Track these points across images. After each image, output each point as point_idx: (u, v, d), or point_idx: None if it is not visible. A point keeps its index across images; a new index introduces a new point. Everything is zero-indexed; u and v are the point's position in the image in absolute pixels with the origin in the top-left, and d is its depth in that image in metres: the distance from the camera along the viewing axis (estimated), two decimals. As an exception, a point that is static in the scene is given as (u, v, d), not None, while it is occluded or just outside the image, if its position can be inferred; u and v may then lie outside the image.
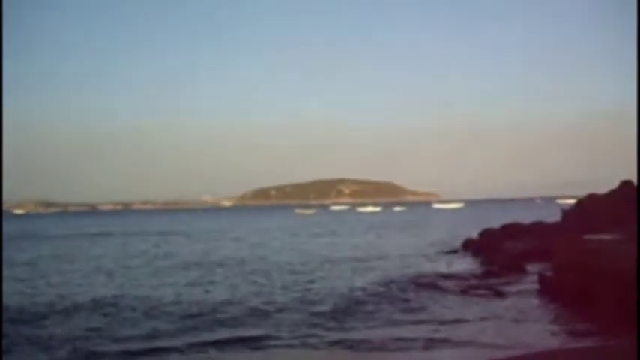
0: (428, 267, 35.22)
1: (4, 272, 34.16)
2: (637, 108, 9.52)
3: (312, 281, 30.12)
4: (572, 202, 48.51)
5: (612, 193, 38.02)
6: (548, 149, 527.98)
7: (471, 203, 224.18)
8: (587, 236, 22.81)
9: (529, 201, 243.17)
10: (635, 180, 37.86)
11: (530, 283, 25.83)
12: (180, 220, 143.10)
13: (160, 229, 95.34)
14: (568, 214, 41.01)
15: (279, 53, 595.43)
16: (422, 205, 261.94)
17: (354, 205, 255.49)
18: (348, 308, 22.09)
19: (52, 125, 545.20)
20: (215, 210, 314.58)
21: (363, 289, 26.43)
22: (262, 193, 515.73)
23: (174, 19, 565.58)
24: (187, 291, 27.55)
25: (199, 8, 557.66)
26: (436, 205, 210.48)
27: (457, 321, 19.32)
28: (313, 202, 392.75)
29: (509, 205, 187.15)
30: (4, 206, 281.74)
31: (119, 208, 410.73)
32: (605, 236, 21.99)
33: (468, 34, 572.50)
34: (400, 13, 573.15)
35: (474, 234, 46.91)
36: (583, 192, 42.63)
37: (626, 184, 37.97)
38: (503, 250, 36.80)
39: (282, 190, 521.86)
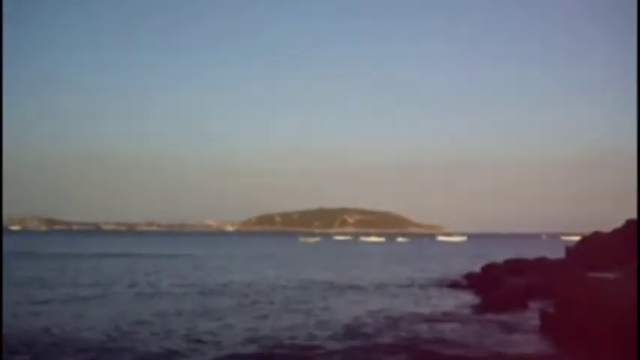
0: (427, 299, 35.03)
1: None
2: (637, 143, 9.42)
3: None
4: (576, 239, 48.33)
5: (616, 232, 37.84)
6: (556, 185, 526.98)
7: (474, 237, 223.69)
8: (590, 274, 22.65)
9: (535, 237, 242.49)
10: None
11: (532, 319, 25.60)
12: (185, 244, 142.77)
13: (171, 252, 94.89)
14: (572, 251, 40.82)
15: (285, 81, 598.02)
16: (425, 237, 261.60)
17: (357, 235, 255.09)
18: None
19: (58, 143, 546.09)
20: (220, 234, 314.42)
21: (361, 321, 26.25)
22: (267, 219, 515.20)
23: (182, 46, 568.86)
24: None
25: (200, 35, 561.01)
26: (440, 238, 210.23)
27: (456, 356, 19.09)
28: (317, 230, 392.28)
29: (513, 241, 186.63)
30: (5, 223, 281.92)
31: (123, 228, 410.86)
32: (608, 274, 21.83)
33: (468, 69, 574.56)
34: (404, 43, 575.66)
35: (477, 268, 46.70)
36: (588, 229, 42.47)
37: (630, 223, 37.79)
38: (505, 285, 36.56)
39: (286, 217, 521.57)
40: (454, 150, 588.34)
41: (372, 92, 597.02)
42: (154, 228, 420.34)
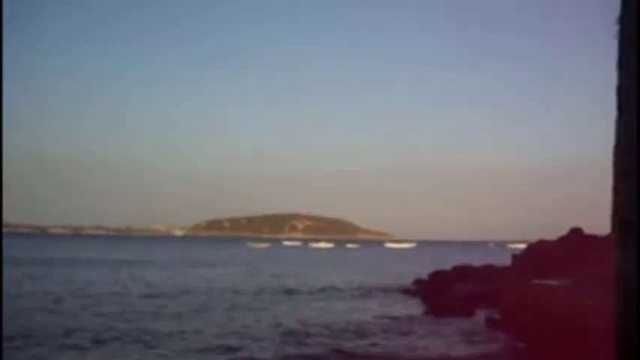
0: (376, 305, 35.03)
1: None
2: (614, 151, 9.23)
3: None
4: (522, 246, 48.85)
5: (561, 240, 38.34)
6: (502, 194, 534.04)
7: (423, 244, 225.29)
8: (535, 281, 22.84)
9: (482, 244, 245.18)
10: (583, 227, 38.27)
11: (478, 325, 25.75)
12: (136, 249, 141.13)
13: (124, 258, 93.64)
14: (518, 258, 41.24)
15: (235, 86, 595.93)
16: (375, 243, 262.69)
17: (306, 241, 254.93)
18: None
19: (3, 142, 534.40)
20: (168, 238, 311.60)
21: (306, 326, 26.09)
22: (216, 223, 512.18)
23: (141, 49, 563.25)
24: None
25: (160, 40, 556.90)
26: (388, 244, 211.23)
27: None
28: (266, 236, 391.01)
29: (461, 248, 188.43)
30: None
31: (70, 232, 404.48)
32: (553, 281, 22.03)
33: (429, 75, 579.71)
34: (364, 50, 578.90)
35: (425, 274, 46.93)
36: (534, 237, 42.94)
37: (575, 231, 38.34)
38: (452, 291, 36.79)
39: (235, 222, 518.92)
40: (404, 157, 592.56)
41: (322, 97, 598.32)
42: (101, 232, 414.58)
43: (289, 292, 42.21)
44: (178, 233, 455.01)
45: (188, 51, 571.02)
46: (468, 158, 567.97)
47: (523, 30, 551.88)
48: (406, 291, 43.42)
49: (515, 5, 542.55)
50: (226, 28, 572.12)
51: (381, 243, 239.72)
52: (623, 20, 8.43)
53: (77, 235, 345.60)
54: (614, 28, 8.10)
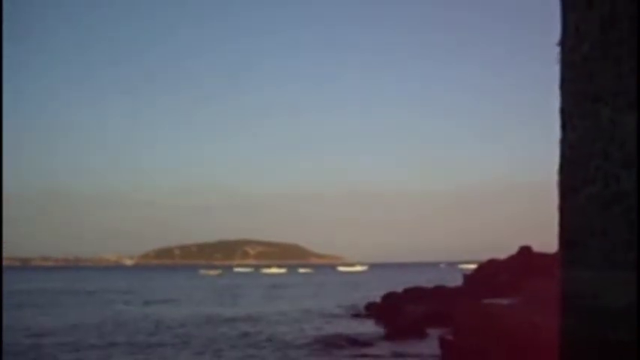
0: (330, 329, 34.98)
1: None
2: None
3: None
4: (473, 266, 49.38)
5: (511, 258, 38.89)
6: (452, 214, 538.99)
7: (375, 266, 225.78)
8: (486, 300, 23.10)
9: (433, 265, 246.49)
10: (531, 245, 38.89)
11: (431, 347, 25.87)
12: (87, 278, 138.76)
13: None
14: (469, 278, 41.69)
15: (183, 113, 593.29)
16: (327, 267, 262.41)
17: (258, 267, 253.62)
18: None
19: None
20: (118, 268, 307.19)
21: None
22: (166, 251, 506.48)
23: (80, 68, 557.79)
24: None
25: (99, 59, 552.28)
26: (341, 268, 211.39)
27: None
28: (218, 263, 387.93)
29: (413, 269, 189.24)
30: None
31: (17, 263, 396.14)
32: (503, 300, 22.31)
33: (366, 97, 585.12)
34: (304, 74, 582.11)
35: (377, 297, 47.03)
36: (484, 257, 43.48)
37: (524, 250, 38.93)
38: (405, 313, 36.94)
39: (186, 250, 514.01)
40: (355, 181, 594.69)
41: (272, 123, 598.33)
42: (50, 263, 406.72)
43: (232, 320, 41.91)
44: (128, 262, 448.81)
45: (123, 77, 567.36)
46: (414, 182, 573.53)
47: (462, 53, 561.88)
48: (358, 315, 43.44)
49: (452, 30, 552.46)
50: (165, 60, 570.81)
51: (333, 267, 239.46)
52: (563, 44, 8.71)
53: (25, 267, 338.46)
54: (555, 52, 8.31)
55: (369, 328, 35.95)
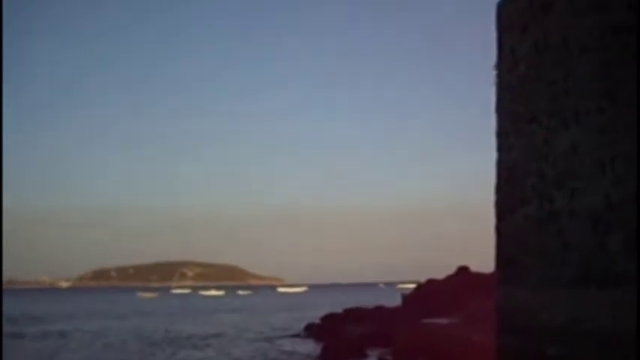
0: (267, 351, 34.80)
1: None
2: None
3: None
4: (412, 286, 49.70)
5: (449, 278, 39.29)
6: (391, 234, 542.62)
7: (315, 287, 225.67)
8: (425, 320, 23.26)
9: (372, 285, 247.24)
10: (469, 265, 39.39)
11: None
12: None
13: None
14: (408, 298, 41.93)
15: (125, 128, 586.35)
16: (267, 288, 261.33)
17: (196, 288, 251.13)
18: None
19: None
20: (53, 291, 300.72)
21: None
22: (102, 273, 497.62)
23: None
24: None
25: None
26: (280, 289, 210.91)
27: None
28: (155, 285, 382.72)
29: (353, 290, 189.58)
30: None
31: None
32: (442, 320, 22.50)
33: (305, 114, 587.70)
34: (245, 86, 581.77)
35: (316, 317, 46.91)
36: (423, 277, 43.81)
37: (462, 269, 39.39)
38: (344, 334, 36.89)
39: (122, 271, 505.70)
40: (294, 201, 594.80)
41: (210, 144, 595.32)
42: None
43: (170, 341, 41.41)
44: (64, 285, 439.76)
45: (52, 95, 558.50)
46: (353, 202, 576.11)
47: (401, 77, 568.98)
48: (297, 336, 43.24)
49: (393, 49, 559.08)
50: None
51: (273, 288, 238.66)
52: (499, 66, 8.87)
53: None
54: (492, 75, 8.46)
55: (307, 348, 35.79)
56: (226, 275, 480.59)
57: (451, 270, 39.86)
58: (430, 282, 41.60)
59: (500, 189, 10.94)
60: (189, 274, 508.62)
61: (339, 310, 46.47)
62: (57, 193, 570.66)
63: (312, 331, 43.63)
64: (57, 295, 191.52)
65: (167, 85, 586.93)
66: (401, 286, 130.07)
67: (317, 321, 45.63)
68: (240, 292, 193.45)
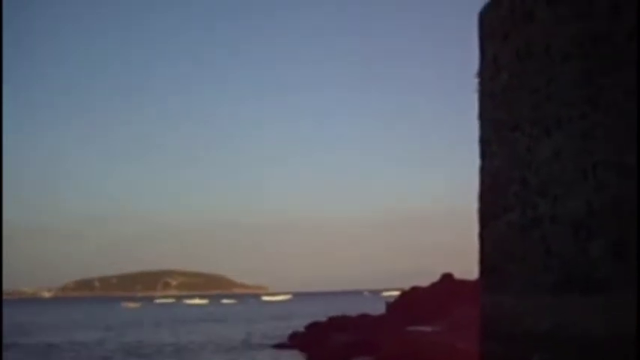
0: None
1: None
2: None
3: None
4: (396, 293, 49.74)
5: (433, 286, 39.35)
6: (375, 242, 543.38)
7: (299, 295, 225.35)
8: (409, 327, 23.29)
9: (357, 293, 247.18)
10: (453, 272, 39.46)
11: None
12: None
13: None
14: (392, 306, 41.95)
15: (105, 136, 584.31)
16: (251, 297, 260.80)
17: (180, 298, 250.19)
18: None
19: None
20: (35, 301, 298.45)
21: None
22: (86, 283, 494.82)
23: None
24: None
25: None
26: (265, 298, 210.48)
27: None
28: (139, 294, 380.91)
29: (337, 298, 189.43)
30: None
31: None
32: (426, 328, 22.54)
33: (282, 123, 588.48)
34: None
35: (301, 326, 46.84)
36: (407, 284, 43.85)
37: (446, 277, 39.46)
38: (329, 342, 36.84)
39: (106, 281, 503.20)
40: (278, 210, 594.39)
41: (189, 151, 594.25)
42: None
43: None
44: (46, 295, 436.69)
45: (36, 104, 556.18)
46: (337, 209, 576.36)
47: (385, 81, 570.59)
48: (282, 344, 43.15)
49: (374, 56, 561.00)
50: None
51: (257, 297, 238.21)
52: (481, 74, 8.89)
53: None
54: (474, 82, 8.48)
55: (292, 358, 35.72)
56: (210, 284, 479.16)
57: (435, 277, 39.93)
58: (414, 289, 41.64)
59: (483, 196, 11.00)
60: (173, 283, 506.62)
61: (323, 318, 46.44)
62: (40, 202, 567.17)
63: (296, 339, 43.55)
64: (39, 307, 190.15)
65: (149, 83, 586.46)
66: (385, 293, 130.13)
67: (301, 329, 45.56)
68: (225, 301, 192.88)
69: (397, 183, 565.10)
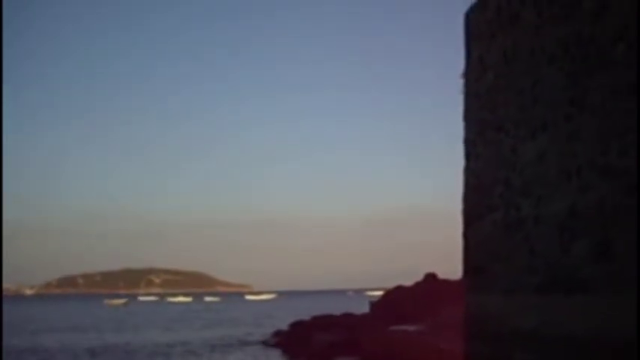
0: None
1: None
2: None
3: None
4: (380, 293, 49.76)
5: (417, 285, 39.40)
6: (359, 242, 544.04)
7: (283, 294, 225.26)
8: (392, 327, 23.30)
9: (341, 292, 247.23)
10: (437, 272, 39.56)
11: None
12: None
13: None
14: (375, 305, 41.96)
15: (86, 146, 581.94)
16: (234, 295, 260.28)
17: (164, 295, 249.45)
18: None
19: None
20: (17, 299, 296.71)
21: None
22: (69, 280, 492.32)
23: None
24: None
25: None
26: (248, 296, 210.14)
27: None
28: (122, 292, 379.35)
29: (321, 297, 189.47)
30: None
31: None
32: (410, 327, 22.55)
33: (269, 123, 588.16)
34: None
35: (284, 325, 46.81)
36: (391, 284, 43.86)
37: (429, 277, 39.54)
38: (313, 341, 36.85)
39: (89, 278, 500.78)
40: (262, 209, 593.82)
41: (173, 149, 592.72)
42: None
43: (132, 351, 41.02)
44: (28, 292, 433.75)
45: (31, 103, 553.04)
46: (321, 208, 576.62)
47: (370, 81, 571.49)
48: (265, 343, 43.10)
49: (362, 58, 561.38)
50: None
51: (241, 295, 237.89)
52: (467, 75, 8.89)
53: None
54: (460, 83, 8.45)
55: (276, 357, 35.71)
56: (194, 282, 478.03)
57: (419, 277, 39.97)
58: (398, 289, 41.65)
59: (467, 196, 11.02)
60: (157, 280, 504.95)
61: (307, 317, 46.41)
62: (22, 199, 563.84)
63: (280, 338, 43.53)
64: (21, 304, 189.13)
65: (143, 85, 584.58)
66: (369, 293, 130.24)
67: (285, 328, 45.53)
68: (208, 299, 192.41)
69: (387, 183, 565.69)
